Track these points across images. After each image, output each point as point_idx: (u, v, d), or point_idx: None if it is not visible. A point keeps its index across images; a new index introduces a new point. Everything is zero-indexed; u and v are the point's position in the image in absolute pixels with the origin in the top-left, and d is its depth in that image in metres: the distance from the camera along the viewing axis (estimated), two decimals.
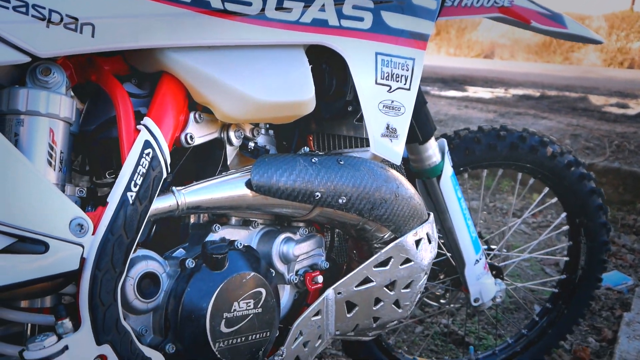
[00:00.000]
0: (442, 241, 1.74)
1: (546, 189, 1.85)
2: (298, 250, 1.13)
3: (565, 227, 1.91)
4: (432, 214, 1.30)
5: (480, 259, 1.68)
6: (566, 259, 1.93)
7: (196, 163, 1.08)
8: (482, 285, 1.70)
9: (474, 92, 6.73)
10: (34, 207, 0.75)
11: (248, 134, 1.12)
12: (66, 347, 0.78)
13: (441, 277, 1.83)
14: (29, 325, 0.89)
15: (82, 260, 0.81)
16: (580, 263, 1.89)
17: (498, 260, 1.84)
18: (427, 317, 2.45)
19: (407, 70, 1.21)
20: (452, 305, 1.95)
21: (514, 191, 1.93)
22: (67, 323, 0.80)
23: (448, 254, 1.74)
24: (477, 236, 1.69)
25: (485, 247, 1.77)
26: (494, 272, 1.76)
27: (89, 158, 1.05)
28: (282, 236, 1.13)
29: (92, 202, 0.91)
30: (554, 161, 1.74)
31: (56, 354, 0.77)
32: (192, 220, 1.06)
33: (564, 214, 1.88)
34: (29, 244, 0.75)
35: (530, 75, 8.59)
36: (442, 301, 1.92)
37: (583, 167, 1.78)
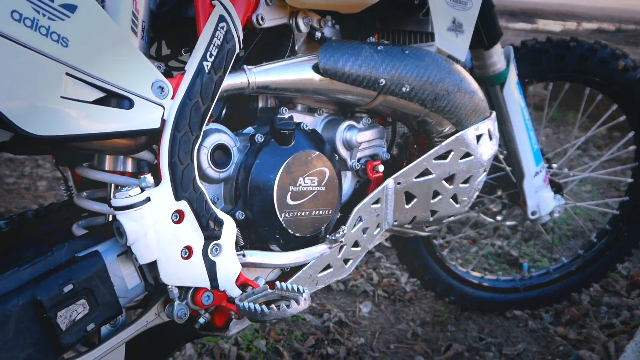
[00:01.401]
0: (503, 156, 1.74)
1: (614, 106, 1.80)
2: (361, 137, 1.17)
3: (632, 148, 1.86)
4: (494, 112, 1.30)
5: (540, 171, 1.67)
6: (630, 180, 1.89)
7: (266, 48, 1.12)
8: (541, 198, 1.70)
9: (543, 24, 6.42)
10: (120, 66, 0.81)
11: (315, 25, 1.14)
12: (148, 199, 0.86)
13: (499, 192, 1.84)
14: (113, 186, 0.97)
15: (163, 122, 0.87)
16: None
17: (558, 178, 1.82)
18: (482, 238, 2.47)
19: None
20: (507, 223, 1.95)
21: (580, 108, 1.88)
22: (149, 178, 0.87)
23: (507, 168, 1.73)
24: (539, 150, 1.68)
25: (547, 164, 1.75)
26: (553, 188, 1.75)
27: (166, 38, 1.11)
28: (346, 123, 1.16)
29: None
30: (625, 75, 1.68)
31: (139, 203, 0.84)
32: (260, 104, 1.11)
33: (631, 133, 1.82)
34: (116, 98, 0.82)
35: (607, 10, 8.08)
36: (498, 218, 1.93)
37: None
